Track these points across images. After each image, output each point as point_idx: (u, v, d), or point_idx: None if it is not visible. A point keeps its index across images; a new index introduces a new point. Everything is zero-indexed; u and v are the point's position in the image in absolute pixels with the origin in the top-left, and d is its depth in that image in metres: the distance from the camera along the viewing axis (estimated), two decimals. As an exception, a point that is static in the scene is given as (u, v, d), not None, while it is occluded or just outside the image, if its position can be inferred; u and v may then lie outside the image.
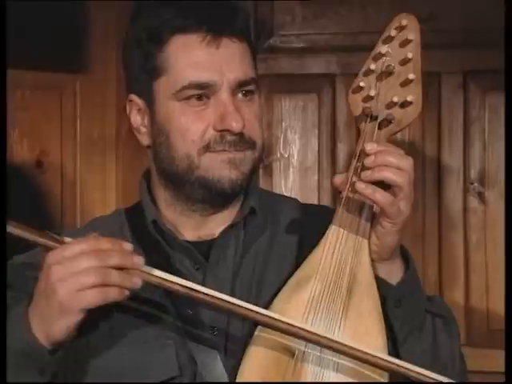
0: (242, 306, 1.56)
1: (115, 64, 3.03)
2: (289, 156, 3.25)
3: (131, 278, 1.52)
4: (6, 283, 1.74)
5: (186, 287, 1.56)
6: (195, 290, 1.56)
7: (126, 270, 1.53)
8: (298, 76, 3.26)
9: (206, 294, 1.56)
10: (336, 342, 1.55)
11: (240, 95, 1.74)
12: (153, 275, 1.56)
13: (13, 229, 1.55)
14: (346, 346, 1.54)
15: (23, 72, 2.97)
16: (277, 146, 3.25)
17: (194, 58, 1.71)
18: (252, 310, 1.56)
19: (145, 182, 1.87)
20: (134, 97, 1.80)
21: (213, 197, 1.76)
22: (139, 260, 1.55)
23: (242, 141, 1.72)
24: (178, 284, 1.56)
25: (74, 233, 1.98)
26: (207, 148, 1.71)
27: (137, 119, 1.81)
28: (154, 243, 1.79)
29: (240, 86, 1.73)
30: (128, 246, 1.56)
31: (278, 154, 3.25)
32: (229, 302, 1.56)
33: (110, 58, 3.09)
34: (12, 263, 1.79)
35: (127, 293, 1.53)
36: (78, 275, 1.49)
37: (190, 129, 1.72)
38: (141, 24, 1.77)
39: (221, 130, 1.71)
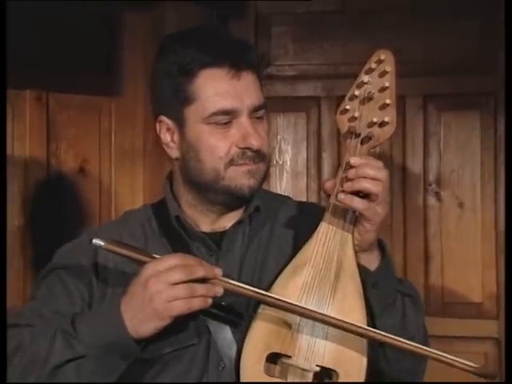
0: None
1: (143, 90, 3.03)
2: (283, 163, 3.27)
3: (214, 288, 1.52)
4: (58, 264, 1.75)
5: (254, 291, 1.55)
6: (262, 294, 1.55)
7: (208, 281, 1.52)
8: (290, 98, 3.26)
9: (272, 297, 1.55)
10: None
11: (254, 118, 1.70)
12: (230, 283, 1.54)
13: (112, 246, 1.55)
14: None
15: (69, 96, 2.97)
16: (273, 155, 3.25)
17: (220, 88, 1.67)
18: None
19: (168, 183, 1.82)
20: (163, 118, 1.74)
21: (233, 201, 1.72)
22: (219, 271, 1.54)
23: (258, 155, 1.69)
24: (248, 290, 1.55)
25: (111, 223, 2.01)
26: (231, 162, 1.68)
27: (166, 136, 1.75)
28: (177, 234, 1.75)
29: (255, 110, 1.69)
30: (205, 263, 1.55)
31: (274, 162, 3.26)
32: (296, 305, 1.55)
33: (138, 85, 3.08)
34: (62, 250, 1.79)
35: (210, 301, 1.52)
36: (171, 289, 1.49)
37: (218, 147, 1.67)
38: (171, 59, 1.71)
39: (243, 148, 1.67)
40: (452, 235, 3.13)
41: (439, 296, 3.13)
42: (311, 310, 1.54)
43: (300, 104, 3.25)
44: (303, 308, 1.54)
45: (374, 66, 1.61)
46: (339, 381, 1.55)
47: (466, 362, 1.52)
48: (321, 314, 1.54)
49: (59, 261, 1.75)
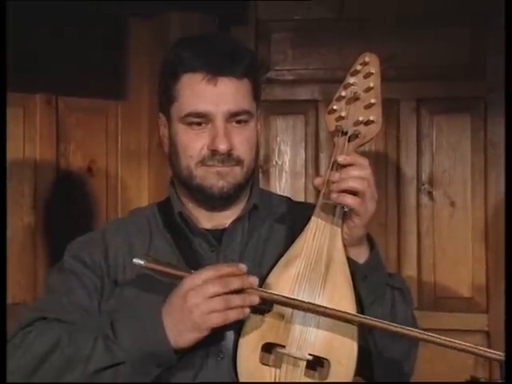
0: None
1: (147, 94, 3.07)
2: (282, 163, 3.26)
3: (249, 297, 1.52)
4: (72, 258, 1.76)
5: (289, 298, 1.56)
6: (294, 299, 1.56)
7: (244, 291, 1.52)
8: (289, 101, 3.26)
9: (305, 302, 1.56)
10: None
11: (234, 123, 1.70)
12: (265, 292, 1.55)
13: (152, 265, 1.57)
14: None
15: (78, 99, 2.99)
16: (273, 156, 3.26)
17: (196, 92, 1.68)
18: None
19: (173, 182, 1.84)
20: (161, 115, 1.80)
21: (207, 199, 1.74)
22: (254, 280, 1.54)
23: (230, 159, 1.69)
24: (282, 297, 1.55)
25: (120, 219, 2.04)
26: (202, 162, 1.69)
27: (163, 132, 1.80)
28: (180, 230, 1.76)
29: (233, 116, 1.69)
30: (243, 267, 1.55)
31: (274, 162, 3.26)
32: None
33: (143, 89, 3.11)
34: (74, 244, 1.80)
35: (248, 311, 1.53)
36: (208, 302, 1.50)
37: (189, 146, 1.69)
38: (167, 60, 1.76)
39: (212, 150, 1.68)
40: (444, 233, 3.14)
41: (431, 291, 3.13)
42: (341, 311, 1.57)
43: (298, 107, 3.25)
44: (340, 312, 1.56)
45: (359, 67, 1.63)
46: (331, 369, 1.56)
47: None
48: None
49: (73, 255, 1.76)
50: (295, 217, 1.79)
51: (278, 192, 3.06)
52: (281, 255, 1.65)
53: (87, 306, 1.69)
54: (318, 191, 1.63)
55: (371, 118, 1.59)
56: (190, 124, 1.69)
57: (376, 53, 1.66)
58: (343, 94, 1.63)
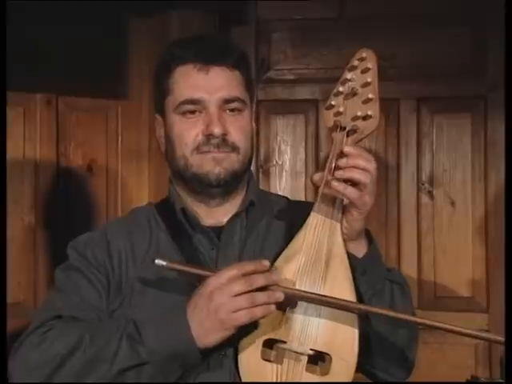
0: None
1: (147, 94, 3.07)
2: (282, 163, 3.27)
3: (274, 294, 1.53)
4: (77, 257, 1.76)
5: (312, 294, 1.57)
6: (318, 295, 1.57)
7: (268, 287, 1.53)
8: (290, 101, 3.27)
9: (329, 297, 1.57)
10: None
11: (227, 111, 1.73)
12: (290, 288, 1.56)
13: (174, 265, 1.58)
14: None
15: (78, 99, 3.01)
16: (273, 155, 3.27)
17: (189, 81, 1.72)
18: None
19: (172, 180, 1.85)
20: (157, 115, 1.82)
21: (204, 188, 1.75)
22: (278, 276, 1.56)
23: (224, 144, 1.71)
24: (307, 293, 1.57)
25: (120, 218, 2.07)
26: (197, 150, 1.71)
27: (160, 132, 1.81)
28: (180, 227, 1.77)
29: (226, 103, 1.72)
30: (266, 263, 1.56)
31: (274, 162, 3.27)
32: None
33: (144, 89, 3.12)
34: (77, 243, 1.79)
35: (273, 307, 1.53)
36: (234, 300, 1.50)
37: (184, 135, 1.72)
38: (161, 58, 1.80)
39: (207, 135, 1.70)
40: (444, 232, 3.14)
41: (431, 290, 3.14)
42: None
43: (299, 106, 3.25)
44: (364, 306, 1.59)
45: (356, 63, 1.64)
46: (332, 363, 1.56)
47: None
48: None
49: (78, 252, 1.77)
50: (293, 214, 1.80)
51: (278, 192, 3.08)
52: (279, 252, 1.65)
53: (98, 304, 1.70)
54: (316, 187, 1.63)
55: (369, 113, 1.60)
56: (185, 113, 1.72)
57: (376, 52, 1.67)
58: (341, 89, 1.64)
